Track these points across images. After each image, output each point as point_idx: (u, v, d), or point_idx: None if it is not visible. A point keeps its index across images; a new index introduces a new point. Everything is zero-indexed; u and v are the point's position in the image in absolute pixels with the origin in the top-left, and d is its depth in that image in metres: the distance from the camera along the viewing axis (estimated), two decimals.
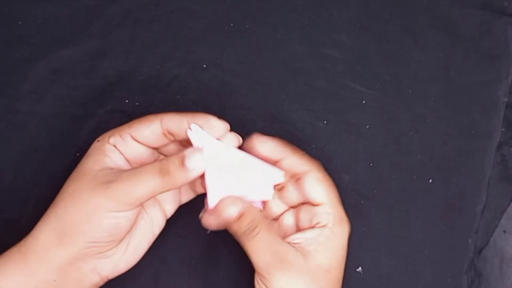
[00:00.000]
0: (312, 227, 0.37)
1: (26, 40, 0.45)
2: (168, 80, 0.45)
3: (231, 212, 0.35)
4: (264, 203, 0.40)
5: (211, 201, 0.36)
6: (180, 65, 0.46)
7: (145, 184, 0.34)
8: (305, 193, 0.38)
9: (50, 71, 0.45)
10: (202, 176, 0.35)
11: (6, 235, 0.42)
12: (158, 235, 0.39)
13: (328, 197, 0.37)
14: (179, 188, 0.40)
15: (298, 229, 0.38)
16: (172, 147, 0.39)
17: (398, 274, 0.43)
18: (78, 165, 0.37)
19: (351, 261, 0.39)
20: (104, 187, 0.34)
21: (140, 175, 0.34)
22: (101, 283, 0.37)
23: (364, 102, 0.46)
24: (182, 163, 0.34)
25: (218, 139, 0.36)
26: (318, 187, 0.37)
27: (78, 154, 0.43)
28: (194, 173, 0.34)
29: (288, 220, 0.39)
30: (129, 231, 0.37)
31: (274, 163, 0.38)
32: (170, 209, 0.40)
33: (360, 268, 0.43)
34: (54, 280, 0.35)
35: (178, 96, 0.45)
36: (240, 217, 0.35)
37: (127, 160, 0.37)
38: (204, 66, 0.46)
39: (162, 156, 0.40)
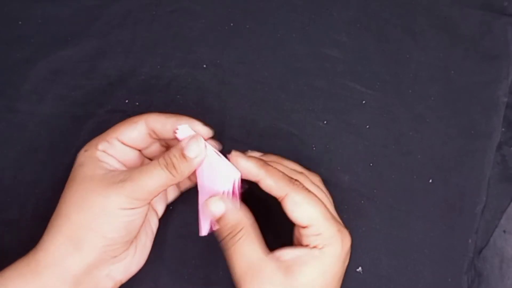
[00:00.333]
0: (302, 246, 0.36)
1: (26, 40, 0.45)
2: (168, 80, 0.45)
3: (214, 209, 0.36)
4: None
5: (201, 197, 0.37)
6: (180, 65, 0.46)
7: (157, 179, 0.35)
8: (289, 217, 0.36)
9: (50, 71, 0.45)
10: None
11: (6, 235, 0.42)
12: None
13: (312, 219, 0.35)
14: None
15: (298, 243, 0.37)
16: (155, 148, 0.40)
17: (398, 274, 0.43)
18: (74, 174, 0.36)
19: (351, 261, 0.39)
20: (118, 186, 0.34)
21: (151, 170, 0.35)
22: None
23: (364, 102, 0.46)
24: (183, 154, 0.35)
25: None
26: (299, 211, 0.35)
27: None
28: (197, 161, 0.35)
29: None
30: (139, 230, 0.37)
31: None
32: (160, 209, 0.41)
33: (360, 268, 0.43)
34: None
35: (178, 96, 0.45)
36: (221, 217, 0.36)
37: (120, 163, 0.38)
38: (204, 66, 0.46)
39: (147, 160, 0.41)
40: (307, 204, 0.35)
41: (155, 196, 0.36)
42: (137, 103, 0.45)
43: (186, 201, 0.42)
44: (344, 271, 0.37)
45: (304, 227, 0.35)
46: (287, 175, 0.36)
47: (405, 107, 0.46)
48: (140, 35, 0.46)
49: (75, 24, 0.46)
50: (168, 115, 0.38)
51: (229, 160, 0.36)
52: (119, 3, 0.47)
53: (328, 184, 0.41)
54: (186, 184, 0.42)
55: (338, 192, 0.43)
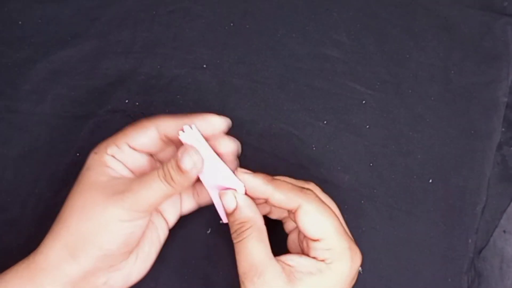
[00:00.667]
0: (308, 256, 0.35)
1: (26, 40, 0.45)
2: (168, 80, 0.45)
3: (226, 203, 0.35)
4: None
5: (213, 196, 0.37)
6: (180, 65, 0.46)
7: (156, 191, 0.34)
8: (301, 229, 0.35)
9: (50, 71, 0.45)
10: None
11: (6, 235, 0.42)
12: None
13: (324, 232, 0.34)
14: (180, 194, 0.40)
15: (303, 251, 0.37)
16: (170, 151, 0.39)
17: (398, 274, 0.43)
18: (80, 179, 0.36)
19: None
20: (118, 198, 0.34)
21: (150, 182, 0.34)
22: None
23: (364, 102, 0.46)
24: (178, 166, 0.34)
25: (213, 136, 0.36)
26: (312, 223, 0.34)
27: (78, 154, 0.43)
28: (193, 172, 0.34)
29: (295, 237, 0.38)
30: (139, 241, 0.37)
31: (262, 201, 0.36)
32: (171, 218, 0.40)
33: (360, 268, 0.43)
34: None
35: (178, 96, 0.45)
36: (234, 211, 0.35)
37: (128, 169, 0.37)
38: (204, 66, 0.46)
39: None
40: (320, 215, 0.34)
41: (156, 207, 0.35)
42: (137, 103, 0.45)
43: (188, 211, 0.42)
44: None
45: (314, 240, 0.34)
46: (296, 186, 0.35)
47: (405, 107, 0.46)
48: (140, 35, 0.46)
49: (75, 24, 0.46)
50: (178, 117, 0.36)
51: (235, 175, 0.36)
52: (119, 3, 0.47)
53: (328, 184, 0.42)
54: (205, 199, 0.40)
55: (338, 192, 0.43)
